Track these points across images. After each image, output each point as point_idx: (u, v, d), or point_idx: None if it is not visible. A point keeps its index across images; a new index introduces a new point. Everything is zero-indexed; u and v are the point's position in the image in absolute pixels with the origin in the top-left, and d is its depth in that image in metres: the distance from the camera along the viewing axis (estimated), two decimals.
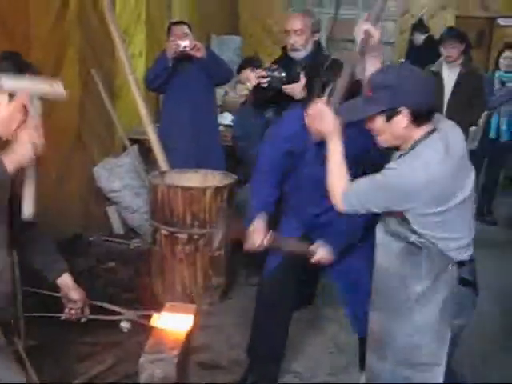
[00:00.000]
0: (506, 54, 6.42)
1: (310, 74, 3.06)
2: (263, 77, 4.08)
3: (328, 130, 2.46)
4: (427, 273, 2.30)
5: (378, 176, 2.29)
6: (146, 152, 5.54)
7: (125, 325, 3.84)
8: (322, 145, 2.69)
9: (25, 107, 2.07)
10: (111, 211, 5.47)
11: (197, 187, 4.22)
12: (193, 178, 4.54)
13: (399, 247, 2.33)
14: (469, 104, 5.57)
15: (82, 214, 5.22)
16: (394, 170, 2.24)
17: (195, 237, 4.17)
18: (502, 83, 6.44)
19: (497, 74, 6.51)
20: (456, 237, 2.30)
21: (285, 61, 4.11)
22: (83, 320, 2.64)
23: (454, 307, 2.34)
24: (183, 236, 4.16)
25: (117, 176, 5.22)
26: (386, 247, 2.38)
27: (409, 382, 2.38)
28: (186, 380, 2.64)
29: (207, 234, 4.17)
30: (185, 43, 4.63)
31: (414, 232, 2.28)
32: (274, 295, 3.27)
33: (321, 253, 3.01)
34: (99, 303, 2.66)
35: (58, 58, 4.68)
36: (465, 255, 2.35)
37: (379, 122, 2.25)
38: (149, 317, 2.55)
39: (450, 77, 5.71)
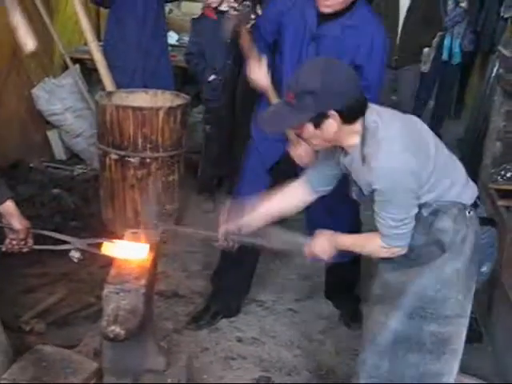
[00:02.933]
0: None
1: None
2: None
3: (329, 249, 2.28)
4: (453, 232, 2.14)
5: (378, 199, 2.07)
6: (88, 72, 5.20)
7: (75, 254, 3.62)
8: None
9: None
10: (52, 135, 5.14)
11: (149, 107, 3.94)
12: (142, 99, 4.25)
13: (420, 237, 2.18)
14: (424, 23, 5.40)
15: (20, 139, 4.88)
16: (378, 181, 2.03)
17: (147, 160, 3.92)
18: (456, 3, 6.29)
19: None
20: (454, 180, 2.16)
21: None
22: (25, 250, 2.40)
23: (479, 254, 2.21)
24: (134, 160, 3.91)
25: (58, 98, 4.87)
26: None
27: (432, 335, 2.22)
28: (152, 312, 2.47)
29: (160, 158, 3.95)
30: None
31: (423, 205, 2.13)
32: None
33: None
34: (45, 232, 2.42)
35: None
36: (473, 195, 2.21)
37: (308, 130, 2.03)
38: (100, 245, 2.36)
39: None
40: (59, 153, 5.21)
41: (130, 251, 2.32)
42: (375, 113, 2.09)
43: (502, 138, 3.76)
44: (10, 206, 2.31)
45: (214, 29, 4.32)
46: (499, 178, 3.70)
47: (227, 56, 4.37)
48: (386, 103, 2.29)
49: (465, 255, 2.17)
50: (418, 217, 2.12)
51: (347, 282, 3.41)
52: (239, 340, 3.15)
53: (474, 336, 3.24)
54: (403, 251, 2.16)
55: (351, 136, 2.07)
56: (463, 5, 6.30)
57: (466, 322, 2.27)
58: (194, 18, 4.70)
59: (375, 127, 2.04)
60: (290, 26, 2.78)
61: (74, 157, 5.23)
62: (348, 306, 3.38)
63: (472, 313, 3.31)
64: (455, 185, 2.17)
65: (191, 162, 4.69)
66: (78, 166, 5.03)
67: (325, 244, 2.27)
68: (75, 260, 3.66)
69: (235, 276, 3.20)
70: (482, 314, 3.36)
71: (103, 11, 5.22)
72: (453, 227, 2.14)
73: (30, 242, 2.38)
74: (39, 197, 4.38)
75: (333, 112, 1.98)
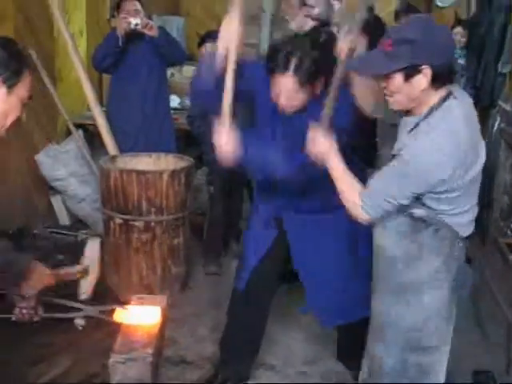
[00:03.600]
0: (457, 29, 6.35)
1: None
2: None
3: (324, 151, 2.26)
4: (436, 252, 2.11)
5: (393, 163, 2.06)
6: (91, 137, 5.22)
7: (79, 322, 3.55)
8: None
9: (22, 102, 1.97)
10: (56, 201, 5.13)
11: (152, 171, 3.93)
12: (146, 162, 4.26)
13: (401, 223, 2.11)
14: None
15: (24, 205, 4.87)
16: (411, 149, 2.00)
17: (152, 224, 3.89)
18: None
19: None
20: (466, 210, 2.12)
21: None
22: (36, 319, 2.34)
23: (459, 287, 2.18)
24: (139, 224, 3.88)
25: (62, 163, 4.88)
26: (385, 226, 2.17)
27: (417, 366, 2.21)
28: (159, 380, 2.40)
29: (165, 221, 3.91)
30: (136, 21, 4.33)
31: (423, 205, 2.07)
32: (251, 298, 3.04)
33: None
34: (55, 300, 2.37)
35: None
36: (470, 231, 2.18)
37: (396, 81, 2.01)
38: (112, 311, 2.30)
39: None
40: (63, 218, 5.18)
41: (142, 317, 2.28)
42: (455, 98, 2.04)
43: (508, 192, 3.75)
44: None
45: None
46: (509, 231, 3.66)
47: None
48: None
49: (446, 287, 2.15)
50: (408, 211, 2.09)
51: (359, 344, 3.32)
52: None
53: None
54: (365, 220, 2.16)
55: (426, 105, 2.04)
56: (461, 62, 6.38)
57: (448, 349, 2.27)
58: None
59: (444, 112, 2.00)
60: (260, 100, 2.73)
61: (78, 222, 5.20)
62: (360, 367, 3.29)
63: (489, 372, 3.26)
64: (468, 212, 2.13)
65: (196, 223, 4.66)
66: (82, 232, 4.99)
67: (324, 146, 2.27)
68: (79, 327, 3.59)
69: (243, 341, 3.12)
70: (500, 370, 3.27)
71: (105, 76, 5.28)
72: (438, 248, 2.11)
73: (41, 310, 2.33)
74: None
75: (427, 67, 1.96)
